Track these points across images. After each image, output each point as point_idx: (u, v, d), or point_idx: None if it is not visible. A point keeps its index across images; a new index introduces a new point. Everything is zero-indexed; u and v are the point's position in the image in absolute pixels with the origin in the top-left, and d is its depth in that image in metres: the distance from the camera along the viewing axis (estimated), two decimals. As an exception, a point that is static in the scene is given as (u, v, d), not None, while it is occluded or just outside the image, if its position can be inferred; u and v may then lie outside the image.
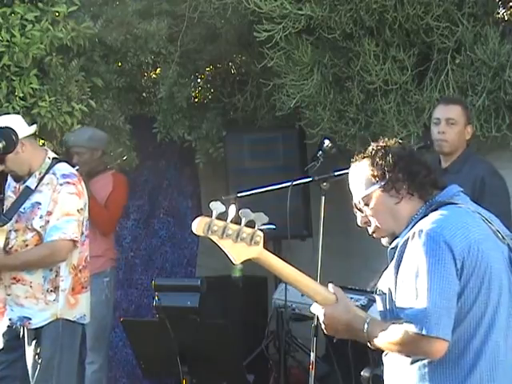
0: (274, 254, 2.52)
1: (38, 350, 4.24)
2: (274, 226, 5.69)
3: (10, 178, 4.48)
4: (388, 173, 2.56)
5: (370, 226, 2.65)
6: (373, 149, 2.64)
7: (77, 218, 4.28)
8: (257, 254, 2.43)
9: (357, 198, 2.64)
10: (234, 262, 2.42)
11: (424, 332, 2.32)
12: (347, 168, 4.47)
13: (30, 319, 4.26)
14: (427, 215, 2.50)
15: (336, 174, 4.56)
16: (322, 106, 5.52)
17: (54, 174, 4.31)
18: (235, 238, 2.40)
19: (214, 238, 2.38)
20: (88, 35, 5.65)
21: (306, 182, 4.88)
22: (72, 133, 5.51)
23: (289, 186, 4.68)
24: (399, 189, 2.56)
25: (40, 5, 5.55)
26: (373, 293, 4.61)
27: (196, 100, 6.77)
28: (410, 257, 2.42)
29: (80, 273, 4.37)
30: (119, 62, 6.27)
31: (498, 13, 5.53)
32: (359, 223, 2.69)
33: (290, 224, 4.37)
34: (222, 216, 2.38)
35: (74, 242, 4.26)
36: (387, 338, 2.43)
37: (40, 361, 4.22)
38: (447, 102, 4.55)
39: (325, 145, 4.79)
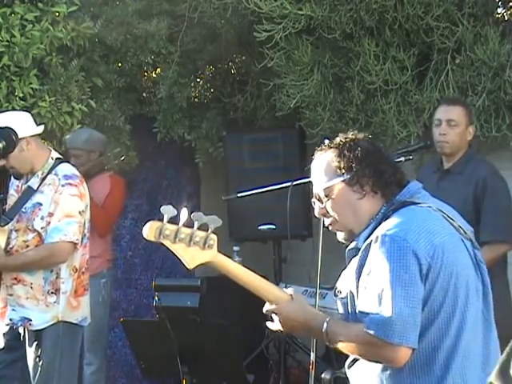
0: (228, 257, 2.46)
1: (39, 353, 4.23)
2: (274, 226, 5.74)
3: (13, 178, 4.47)
4: (355, 166, 2.47)
5: (327, 217, 2.56)
6: (341, 140, 2.54)
7: (78, 220, 4.26)
8: (210, 257, 2.37)
9: (318, 188, 2.54)
10: (187, 266, 2.35)
11: (389, 340, 2.27)
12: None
13: (30, 320, 4.25)
14: (388, 216, 2.42)
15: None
16: (322, 106, 5.53)
17: (56, 174, 4.30)
18: (188, 242, 2.33)
19: (167, 243, 2.32)
20: (88, 35, 5.66)
21: (306, 182, 4.85)
22: (69, 134, 5.51)
23: (289, 186, 4.68)
24: (364, 185, 2.47)
25: (40, 5, 5.55)
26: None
27: (196, 100, 6.77)
28: (373, 261, 2.35)
29: (82, 275, 4.36)
30: (119, 62, 6.27)
31: (498, 13, 5.53)
32: (316, 214, 2.60)
33: (290, 224, 4.37)
34: (174, 220, 2.31)
35: (75, 244, 4.25)
36: (349, 341, 2.38)
37: (41, 363, 4.22)
38: (449, 102, 4.52)
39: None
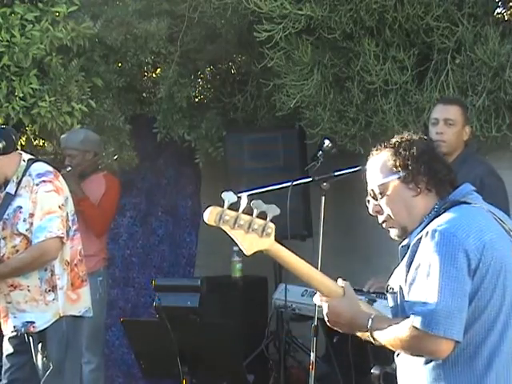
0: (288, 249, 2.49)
1: (46, 353, 4.24)
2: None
3: None
4: (410, 164, 2.54)
5: (381, 214, 2.62)
6: (397, 140, 2.62)
7: (59, 214, 4.25)
8: (268, 245, 2.40)
9: (373, 185, 2.61)
10: (245, 252, 2.39)
11: (433, 331, 2.31)
12: (347, 168, 4.51)
13: (33, 323, 4.25)
14: (440, 214, 2.49)
15: (336, 174, 4.56)
16: (322, 106, 5.52)
17: (29, 175, 4.28)
18: (247, 228, 2.35)
19: (226, 228, 2.34)
20: (88, 35, 5.66)
21: (306, 182, 4.88)
22: (65, 134, 5.52)
23: (289, 186, 4.68)
24: (418, 182, 2.54)
25: (40, 5, 5.55)
26: (370, 293, 4.62)
27: (196, 100, 6.77)
28: (422, 255, 2.41)
29: (76, 267, 4.36)
30: (119, 62, 6.27)
31: (498, 13, 5.53)
32: (371, 211, 2.66)
33: (290, 224, 4.37)
34: (234, 206, 2.33)
35: (61, 238, 4.25)
36: (393, 335, 2.42)
37: (49, 361, 4.23)
38: (446, 102, 4.52)
39: (325, 145, 4.78)
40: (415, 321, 2.34)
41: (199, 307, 3.94)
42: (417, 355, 2.46)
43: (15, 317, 4.30)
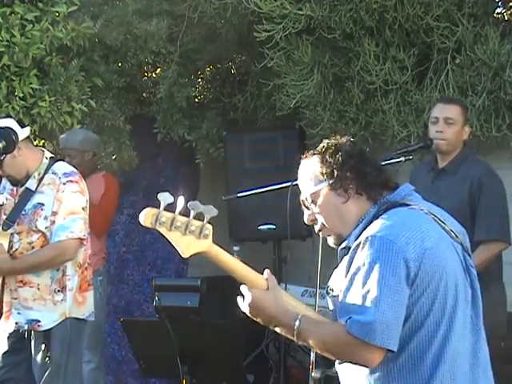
0: (225, 250, 2.42)
1: (48, 353, 4.23)
2: (274, 226, 5.74)
3: (4, 181, 4.45)
4: (336, 171, 2.48)
5: (316, 224, 2.57)
6: (323, 146, 2.55)
7: (82, 215, 4.27)
8: (206, 247, 2.32)
9: (304, 195, 2.58)
10: (182, 255, 2.33)
11: (369, 340, 2.26)
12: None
13: (39, 321, 4.24)
14: (379, 216, 2.43)
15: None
16: (322, 106, 5.53)
17: (54, 173, 4.29)
18: (184, 230, 2.29)
19: (162, 230, 2.30)
20: (88, 35, 5.66)
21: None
22: (64, 135, 5.52)
23: (289, 186, 4.67)
24: (347, 188, 2.48)
25: (40, 5, 5.55)
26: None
27: (196, 100, 6.77)
28: (360, 262, 2.34)
29: (86, 270, 4.37)
30: (119, 62, 6.27)
31: (498, 13, 5.53)
32: (306, 221, 2.62)
33: (290, 224, 4.36)
34: (170, 208, 2.28)
35: (82, 240, 4.26)
36: (324, 338, 2.37)
37: (50, 362, 4.22)
38: (446, 101, 4.53)
39: (325, 145, 4.78)
40: (352, 328, 2.28)
41: (199, 307, 3.95)
42: (346, 361, 2.41)
43: (19, 313, 4.28)
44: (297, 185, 4.13)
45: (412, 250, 2.31)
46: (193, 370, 3.97)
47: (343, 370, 2.49)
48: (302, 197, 2.60)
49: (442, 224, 2.45)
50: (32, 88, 5.47)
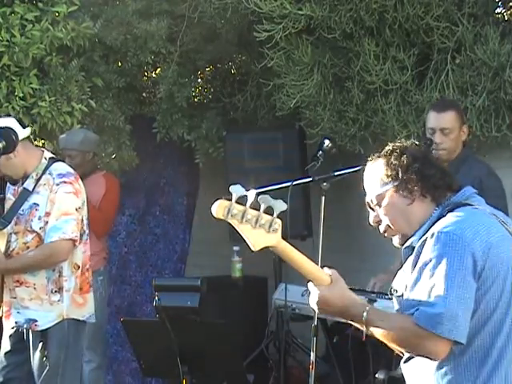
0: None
1: (46, 352, 4.23)
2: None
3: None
4: (402, 173, 2.56)
5: (381, 224, 2.64)
6: (389, 149, 2.64)
7: (75, 217, 4.27)
8: (275, 242, 2.36)
9: (370, 197, 2.65)
10: (252, 248, 2.35)
11: (437, 332, 2.31)
12: (347, 168, 4.51)
13: (36, 321, 4.25)
14: (444, 216, 2.50)
15: (336, 174, 4.56)
16: (322, 106, 5.52)
17: (50, 174, 4.30)
18: (254, 223, 2.32)
19: (234, 222, 2.31)
20: (88, 35, 5.66)
21: (306, 182, 4.88)
22: (64, 135, 5.52)
23: (289, 186, 4.68)
24: (412, 190, 2.56)
25: (40, 5, 5.55)
26: (373, 293, 4.62)
27: (196, 100, 6.77)
28: (428, 256, 2.40)
29: (87, 272, 4.37)
30: (119, 62, 6.27)
31: (498, 13, 5.53)
32: (371, 222, 2.68)
33: (290, 224, 4.37)
34: (240, 201, 2.30)
35: (74, 241, 4.26)
36: (391, 329, 2.42)
37: (47, 363, 4.22)
38: (439, 109, 4.45)
39: (325, 145, 4.78)
40: (419, 319, 2.34)
41: (199, 307, 3.94)
42: (412, 352, 2.46)
43: (18, 312, 4.30)
44: (297, 184, 4.13)
45: (478, 244, 2.38)
46: (193, 370, 3.97)
47: (409, 367, 2.55)
48: (368, 198, 2.66)
49: (505, 225, 2.53)
50: (32, 88, 5.47)
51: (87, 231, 4.40)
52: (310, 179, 4.72)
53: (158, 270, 6.83)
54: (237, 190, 2.27)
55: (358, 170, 4.11)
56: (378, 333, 2.44)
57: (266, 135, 6.20)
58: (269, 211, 2.33)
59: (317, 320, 4.39)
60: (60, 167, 4.36)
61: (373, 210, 2.65)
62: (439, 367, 2.43)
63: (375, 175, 2.63)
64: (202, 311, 3.95)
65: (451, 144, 4.36)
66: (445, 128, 4.34)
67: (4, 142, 4.16)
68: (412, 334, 2.36)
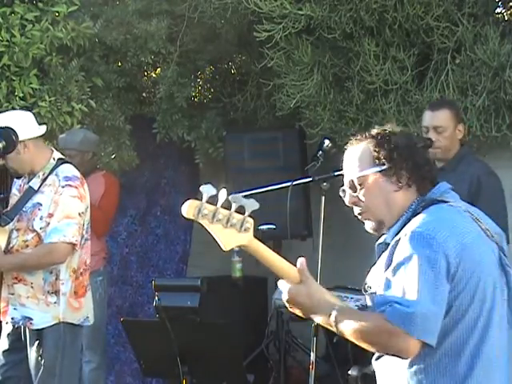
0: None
1: (41, 352, 4.23)
2: (274, 226, 5.74)
3: None
4: (394, 157, 2.49)
5: (358, 206, 2.56)
6: (379, 131, 2.57)
7: (77, 221, 4.26)
8: (247, 241, 2.31)
9: (352, 176, 2.55)
10: (223, 248, 2.31)
11: (408, 331, 2.26)
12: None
13: (31, 319, 4.25)
14: (418, 213, 2.44)
15: (336, 173, 4.56)
16: (322, 106, 5.53)
17: (56, 175, 4.30)
18: (225, 223, 2.27)
19: (204, 223, 2.27)
20: (88, 35, 5.66)
21: (306, 182, 4.88)
22: (64, 135, 5.52)
23: (289, 186, 4.68)
24: (401, 177, 2.49)
25: (40, 5, 5.55)
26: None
27: (196, 100, 6.77)
28: (400, 257, 2.35)
29: (82, 276, 4.36)
30: (119, 62, 6.28)
31: (498, 13, 5.53)
32: (347, 202, 2.60)
33: (290, 224, 4.37)
34: (212, 200, 2.26)
35: (74, 245, 4.25)
36: (360, 327, 2.36)
37: (42, 362, 4.22)
38: (433, 108, 4.45)
39: (325, 145, 4.78)
40: (391, 316, 2.28)
41: (199, 307, 3.94)
42: (382, 351, 2.42)
43: (15, 308, 4.30)
44: (297, 185, 4.12)
45: (452, 246, 2.33)
46: (193, 370, 3.97)
47: (380, 365, 2.52)
48: (349, 177, 2.57)
49: (479, 223, 2.47)
50: (32, 88, 5.47)
51: (86, 235, 4.40)
52: (310, 179, 4.72)
53: (160, 270, 6.83)
54: (207, 190, 2.23)
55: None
56: (348, 332, 2.38)
57: (266, 135, 6.20)
58: (241, 210, 2.29)
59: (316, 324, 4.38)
60: (67, 169, 4.35)
61: (353, 190, 2.56)
62: (410, 366, 2.39)
63: (361, 155, 2.54)
64: (202, 311, 3.95)
65: (445, 142, 4.35)
66: (438, 126, 4.34)
67: (4, 142, 4.17)
68: (383, 332, 2.30)
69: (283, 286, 2.44)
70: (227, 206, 2.29)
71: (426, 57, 5.36)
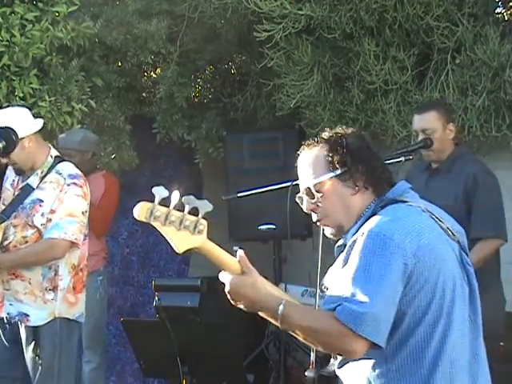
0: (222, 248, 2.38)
1: (38, 351, 4.23)
2: (274, 226, 5.74)
3: (8, 171, 4.46)
4: (348, 162, 2.44)
5: (316, 213, 2.54)
6: (331, 135, 2.52)
7: (80, 220, 4.27)
8: (200, 243, 2.29)
9: (308, 183, 2.53)
10: (176, 250, 2.30)
11: (358, 331, 2.23)
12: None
13: (28, 316, 4.25)
14: (376, 212, 2.41)
15: (336, 174, 4.55)
16: (322, 105, 5.53)
17: (59, 173, 4.30)
18: (178, 225, 2.26)
19: (156, 225, 2.26)
20: (88, 35, 5.66)
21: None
22: (63, 135, 5.52)
23: (289, 186, 4.67)
24: (356, 180, 2.45)
25: (40, 5, 5.55)
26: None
27: (196, 100, 6.77)
28: (357, 255, 2.31)
29: (81, 272, 4.37)
30: (119, 62, 6.27)
31: (498, 13, 5.53)
32: (305, 209, 2.58)
33: (290, 224, 4.36)
34: (165, 202, 2.24)
35: (73, 243, 4.26)
36: (309, 324, 2.32)
37: (40, 362, 4.22)
38: (420, 111, 4.45)
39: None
40: (341, 315, 2.24)
41: (199, 307, 3.95)
42: (327, 349, 2.39)
43: (11, 304, 4.29)
44: (297, 185, 4.11)
45: (408, 246, 2.29)
46: (193, 370, 3.97)
47: (344, 372, 2.47)
48: (305, 185, 2.55)
49: (439, 222, 2.43)
50: (32, 88, 5.47)
51: (86, 232, 4.40)
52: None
53: (161, 270, 6.83)
54: (159, 192, 2.20)
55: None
56: (295, 328, 2.34)
57: (266, 135, 6.19)
58: (195, 212, 2.26)
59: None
60: (68, 167, 4.36)
61: (311, 196, 2.53)
62: (372, 370, 2.36)
63: (316, 161, 2.52)
64: (202, 311, 3.96)
65: (436, 144, 4.33)
66: (425, 128, 4.33)
67: (4, 142, 4.17)
68: (331, 330, 2.26)
69: (225, 278, 2.38)
70: (181, 208, 2.25)
71: (426, 57, 5.36)
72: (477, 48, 4.99)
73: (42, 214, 4.23)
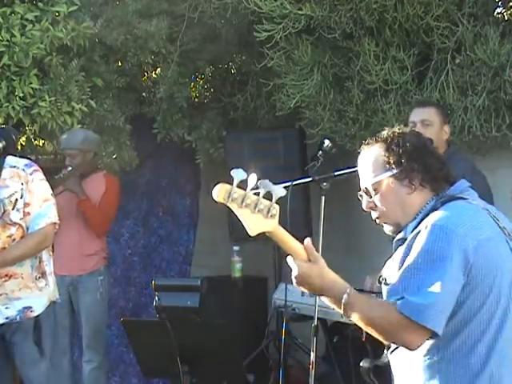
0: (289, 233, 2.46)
1: (40, 339, 4.31)
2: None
3: None
4: (404, 161, 2.51)
5: (375, 211, 2.60)
6: (389, 134, 2.58)
7: (53, 201, 4.41)
8: (272, 227, 2.37)
9: (366, 183, 2.60)
10: (249, 233, 2.36)
11: (420, 321, 2.29)
12: (347, 168, 4.51)
13: (30, 307, 4.32)
14: (437, 208, 2.46)
15: (336, 173, 4.56)
16: (322, 106, 5.53)
17: (14, 167, 4.32)
18: (253, 208, 2.32)
19: (233, 207, 2.30)
20: (88, 35, 5.66)
21: (306, 182, 4.88)
22: (65, 135, 5.52)
23: (289, 186, 4.67)
24: (413, 179, 2.51)
25: (40, 5, 5.55)
26: (372, 292, 4.62)
27: (196, 100, 6.77)
28: (420, 247, 2.37)
29: (53, 253, 4.52)
30: (119, 62, 6.27)
31: (498, 13, 5.53)
32: (364, 207, 2.64)
33: (290, 224, 4.36)
34: (241, 184, 2.30)
35: (55, 224, 4.39)
36: (371, 314, 2.39)
37: (42, 354, 4.27)
38: (421, 105, 4.51)
39: (325, 145, 4.78)
40: (403, 308, 2.31)
41: (199, 307, 3.94)
42: (388, 340, 2.44)
43: (7, 307, 4.30)
44: (297, 185, 4.11)
45: (470, 241, 2.35)
46: (193, 370, 3.97)
47: (395, 358, 2.53)
48: (364, 184, 2.61)
49: (497, 221, 2.50)
50: (32, 88, 5.47)
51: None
52: (310, 179, 4.72)
53: (163, 271, 6.84)
54: (238, 175, 2.27)
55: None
56: (358, 317, 2.41)
57: (266, 135, 6.20)
58: (268, 196, 2.33)
59: (317, 320, 4.39)
60: (17, 160, 4.41)
61: (369, 195, 2.60)
62: (424, 359, 2.42)
63: (373, 160, 2.58)
64: (202, 311, 3.95)
65: (431, 138, 4.34)
66: (425, 120, 4.36)
67: (4, 142, 4.17)
68: (393, 321, 2.33)
69: (293, 263, 2.46)
70: (256, 191, 2.32)
71: (426, 57, 5.36)
72: (477, 48, 4.99)
73: (18, 210, 4.28)
